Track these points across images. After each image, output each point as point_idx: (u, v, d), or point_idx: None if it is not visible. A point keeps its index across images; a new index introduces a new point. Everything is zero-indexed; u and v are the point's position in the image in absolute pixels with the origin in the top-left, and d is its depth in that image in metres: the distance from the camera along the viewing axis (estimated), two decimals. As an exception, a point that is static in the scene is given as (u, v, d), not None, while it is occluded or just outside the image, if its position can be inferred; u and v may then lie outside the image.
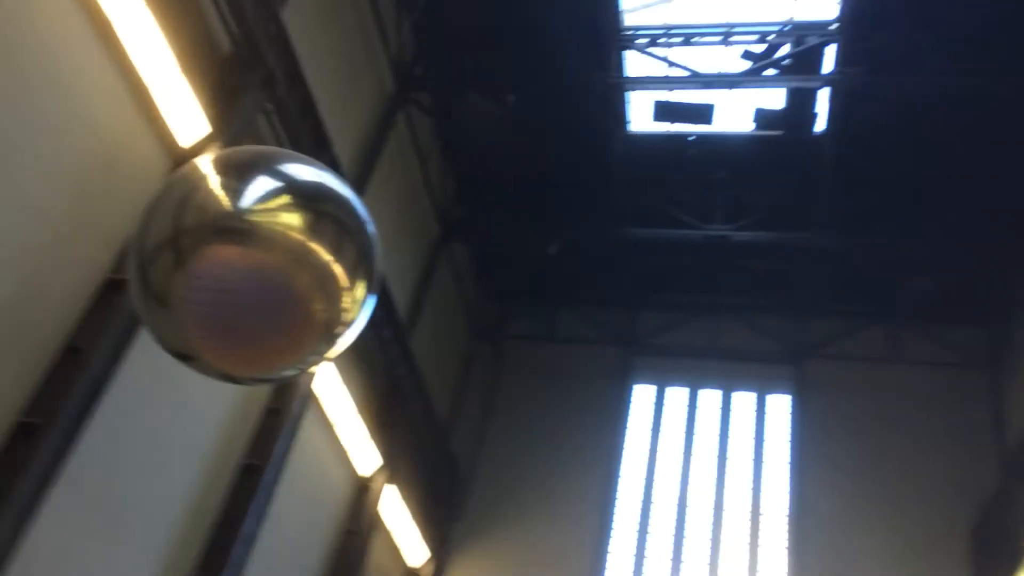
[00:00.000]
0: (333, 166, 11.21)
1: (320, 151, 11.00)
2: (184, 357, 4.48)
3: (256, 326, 4.21)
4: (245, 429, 10.78)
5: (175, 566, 9.53)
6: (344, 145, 12.46)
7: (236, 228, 3.79)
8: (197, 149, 8.82)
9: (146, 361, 8.71)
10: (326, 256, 4.14)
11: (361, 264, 4.30)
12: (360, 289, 4.33)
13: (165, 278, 3.79)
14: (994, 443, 15.94)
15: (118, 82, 8.22)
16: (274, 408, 11.09)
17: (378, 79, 14.06)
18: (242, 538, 10.01)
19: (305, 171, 4.45)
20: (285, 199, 3.99)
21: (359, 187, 13.02)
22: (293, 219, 4.04)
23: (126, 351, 7.98)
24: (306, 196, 4.28)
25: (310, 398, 11.54)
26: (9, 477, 7.01)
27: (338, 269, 4.18)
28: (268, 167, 4.37)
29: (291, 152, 4.29)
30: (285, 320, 4.32)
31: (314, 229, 3.99)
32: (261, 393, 11.09)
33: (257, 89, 9.30)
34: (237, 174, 4.02)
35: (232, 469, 10.49)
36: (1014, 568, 13.50)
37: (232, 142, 8.97)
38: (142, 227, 4.19)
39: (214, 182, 3.95)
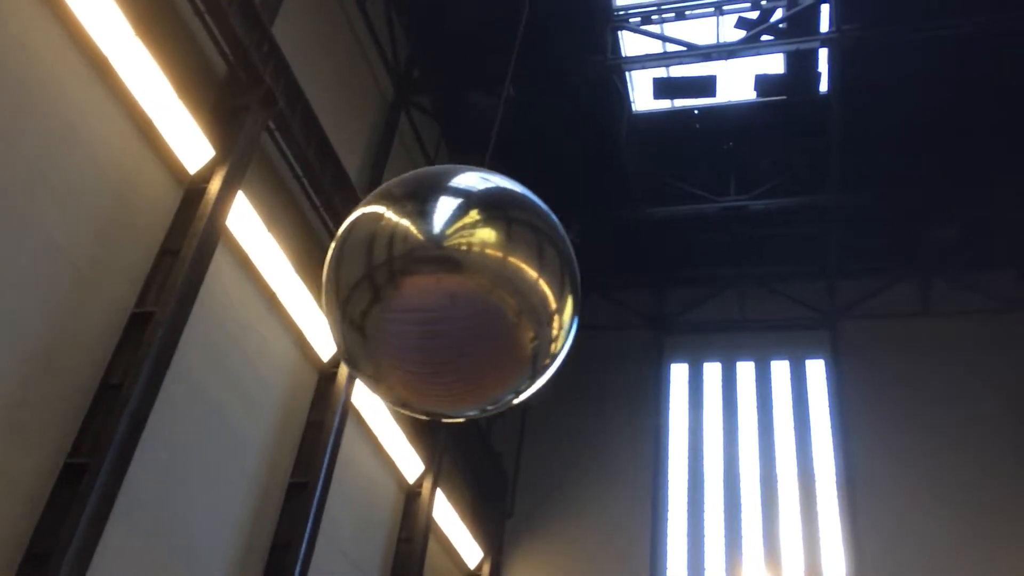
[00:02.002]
0: (341, 179, 11.29)
1: (326, 165, 11.07)
2: (389, 397, 4.31)
3: (462, 359, 3.82)
4: (289, 448, 10.85)
5: (236, 591, 9.61)
6: (350, 156, 12.53)
7: (433, 257, 3.57)
8: (205, 174, 8.89)
9: (182, 390, 8.82)
10: (531, 272, 3.90)
11: (565, 272, 4.00)
12: (568, 310, 4.02)
13: (364, 314, 3.70)
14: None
15: (120, 115, 8.32)
16: (315, 422, 11.16)
17: (377, 86, 14.12)
18: (299, 556, 10.07)
19: (477, 180, 4.14)
20: (473, 215, 3.78)
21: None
22: (487, 234, 3.73)
23: (160, 382, 8.05)
24: (492, 206, 3.89)
25: (349, 410, 11.58)
26: (62, 518, 7.10)
27: (545, 287, 3.90)
28: (441, 187, 4.03)
29: (448, 166, 4.12)
30: (492, 352, 3.97)
31: (511, 240, 3.77)
32: (300, 411, 11.17)
33: (258, 108, 9.36)
34: (415, 202, 3.80)
35: (281, 489, 10.56)
36: None
37: (238, 163, 9.06)
38: (333, 268, 4.04)
39: (397, 215, 3.76)
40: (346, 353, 4.01)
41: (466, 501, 16.73)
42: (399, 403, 4.16)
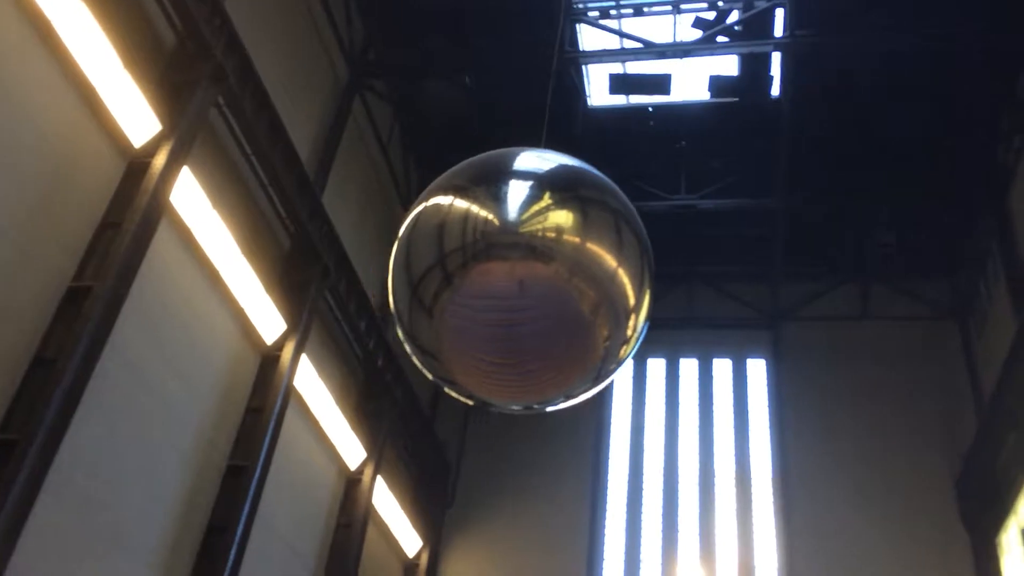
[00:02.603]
0: (291, 159, 11.14)
1: (276, 144, 10.91)
2: (444, 380, 4.07)
3: (527, 355, 3.70)
4: (228, 430, 10.69)
5: (170, 572, 9.43)
6: (301, 137, 12.37)
7: (508, 243, 3.43)
8: (150, 148, 8.69)
9: (119, 367, 8.63)
10: (610, 260, 3.58)
11: (645, 262, 3.72)
12: (644, 309, 3.74)
13: (435, 297, 3.60)
14: (970, 392, 16.18)
15: (63, 84, 8.08)
16: (255, 408, 11.01)
17: (331, 68, 13.95)
18: (234, 540, 9.93)
19: (544, 161, 3.89)
20: (547, 199, 3.60)
21: (320, 181, 12.94)
22: (564, 218, 3.55)
23: (97, 358, 7.85)
24: (565, 188, 3.72)
25: (291, 394, 11.45)
26: (-10, 495, 6.89)
27: (624, 277, 3.64)
28: (509, 171, 3.80)
29: (508, 149, 3.88)
30: (560, 351, 3.76)
31: (588, 223, 3.59)
32: (241, 393, 11.00)
33: (207, 83, 9.18)
34: (485, 188, 3.67)
35: (218, 471, 10.40)
36: (1000, 516, 13.71)
37: (184, 138, 8.87)
38: (403, 253, 3.85)
39: (468, 201, 3.65)
40: (410, 333, 3.84)
41: (407, 489, 16.68)
42: (449, 383, 4.00)
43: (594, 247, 3.58)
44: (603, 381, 3.92)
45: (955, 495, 15.83)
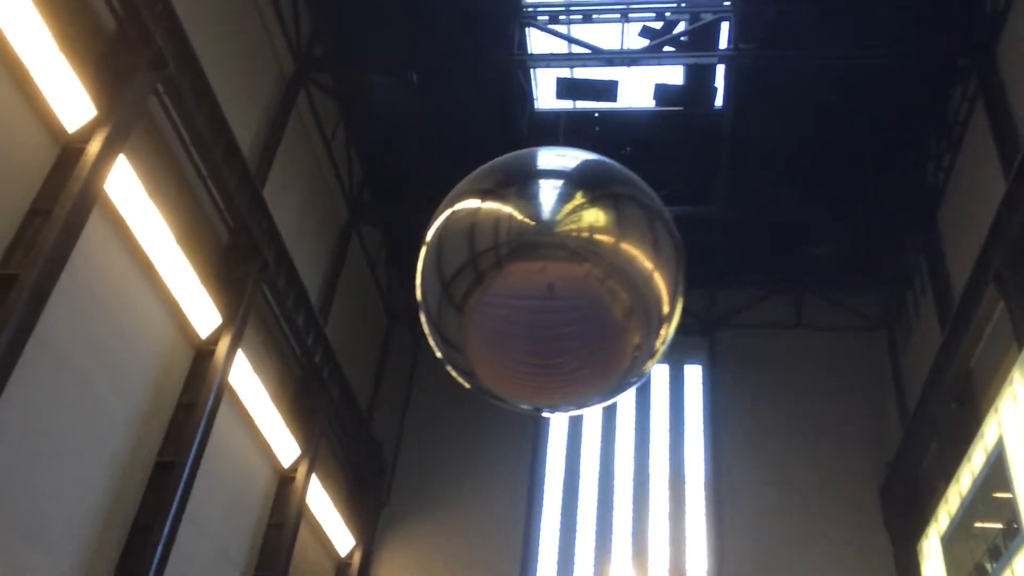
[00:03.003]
0: (232, 151, 10.95)
1: (217, 135, 10.71)
2: (465, 373, 3.94)
3: (556, 352, 3.64)
4: (158, 425, 10.44)
5: (92, 570, 9.18)
6: (243, 129, 12.15)
7: (542, 243, 3.38)
8: (84, 133, 8.45)
9: (44, 358, 8.36)
10: (646, 262, 3.52)
11: (680, 266, 3.60)
12: (675, 319, 3.62)
13: (466, 295, 3.56)
14: (896, 402, 16.67)
15: (-5, 65, 7.80)
16: (186, 403, 10.78)
17: (276, 60, 13.75)
18: (160, 538, 9.70)
19: (571, 160, 3.77)
20: (579, 198, 3.53)
21: (261, 174, 12.74)
22: (598, 217, 3.48)
23: (21, 348, 7.60)
24: (597, 186, 3.65)
25: (224, 390, 11.24)
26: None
27: (660, 281, 3.55)
28: (538, 171, 3.76)
29: (530, 149, 3.75)
30: (587, 357, 3.65)
31: (623, 223, 3.53)
32: (172, 388, 10.76)
33: (146, 70, 8.96)
34: (515, 188, 3.62)
35: (146, 467, 10.14)
36: (921, 523, 14.13)
37: (121, 125, 8.65)
38: (434, 253, 3.79)
39: (500, 202, 3.58)
40: (437, 326, 3.75)
41: (342, 488, 16.52)
42: (467, 375, 3.92)
43: (629, 247, 3.50)
44: (620, 392, 3.86)
45: (879, 501, 16.28)
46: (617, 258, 3.44)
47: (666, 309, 3.53)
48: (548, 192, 3.61)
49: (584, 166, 3.76)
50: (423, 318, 3.98)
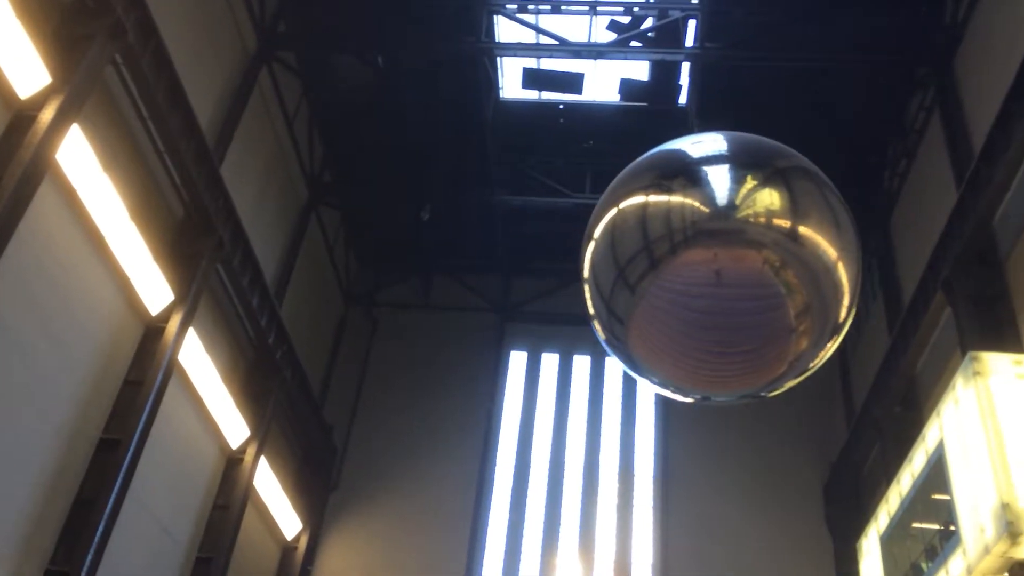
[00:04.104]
0: (190, 126, 10.76)
1: (176, 109, 10.51)
2: (616, 341, 3.90)
3: (716, 341, 3.58)
4: (103, 401, 10.24)
5: (32, 547, 9.00)
6: (203, 103, 11.93)
7: (717, 229, 3.30)
8: (37, 101, 8.23)
9: (-13, 330, 8.16)
10: (829, 250, 3.32)
11: (860, 259, 3.51)
12: (849, 320, 3.46)
13: (640, 278, 3.54)
14: (843, 404, 16.95)
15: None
16: (134, 380, 10.59)
17: (240, 36, 13.52)
18: (103, 516, 9.53)
19: (735, 143, 3.73)
20: (751, 181, 3.44)
21: (219, 150, 12.54)
22: (774, 200, 3.38)
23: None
24: (762, 164, 3.56)
25: (174, 368, 11.07)
26: None
27: (843, 274, 3.39)
28: (704, 158, 3.68)
29: (690, 136, 3.66)
30: (744, 352, 3.61)
31: (796, 195, 3.40)
32: (120, 365, 10.56)
33: (104, 38, 8.74)
34: (686, 176, 3.53)
35: (90, 443, 9.95)
36: (861, 521, 14.40)
37: (76, 94, 8.45)
38: (607, 240, 3.76)
39: (670, 193, 3.51)
40: (607, 301, 3.78)
41: (290, 471, 16.38)
42: (620, 346, 3.92)
43: (809, 232, 3.33)
44: (773, 389, 3.83)
45: (822, 499, 16.60)
46: (793, 243, 3.30)
47: (842, 315, 3.39)
48: (719, 178, 3.54)
49: (752, 146, 3.71)
50: (589, 293, 4.00)
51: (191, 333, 11.61)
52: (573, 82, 15.90)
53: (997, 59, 11.19)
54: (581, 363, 19.24)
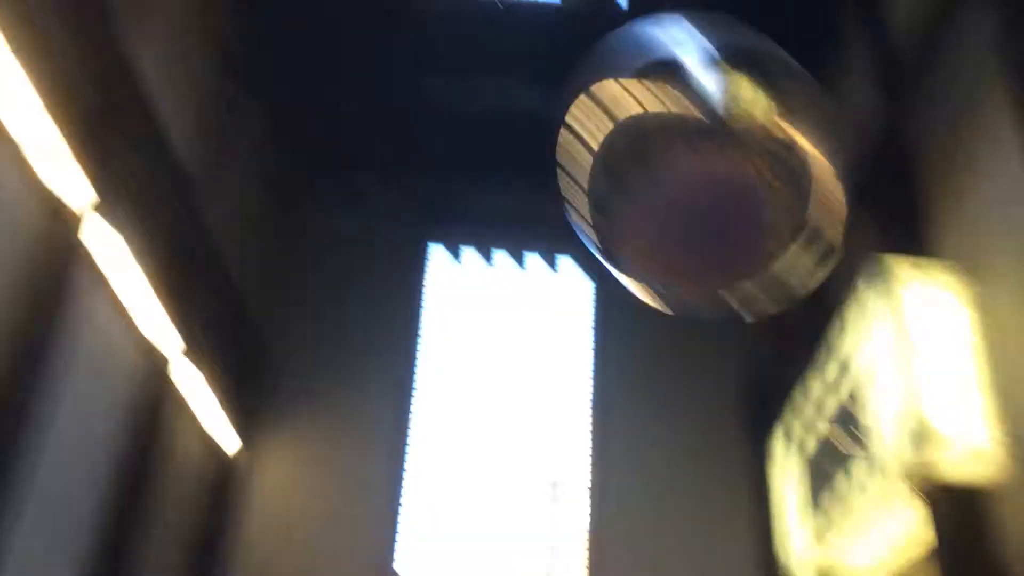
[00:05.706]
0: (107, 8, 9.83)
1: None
2: (611, 259, 3.86)
3: (694, 240, 3.72)
4: (22, 305, 9.49)
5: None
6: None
7: (707, 129, 3.31)
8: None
9: None
10: (810, 142, 3.16)
11: (844, 148, 3.35)
12: (844, 211, 3.34)
13: (625, 171, 3.62)
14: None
15: None
16: (42, 274, 9.76)
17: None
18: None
19: (720, 30, 3.49)
20: (741, 80, 3.41)
21: (135, 31, 11.55)
22: (763, 100, 3.35)
23: None
24: (752, 64, 3.39)
25: (92, 270, 10.37)
26: None
27: (834, 178, 3.23)
28: (691, 40, 3.64)
29: (664, 20, 3.40)
30: (727, 241, 3.71)
31: (783, 88, 3.34)
32: (23, 258, 9.77)
33: None
34: (671, 68, 3.54)
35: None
36: (774, 426, 14.58)
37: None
38: (605, 129, 3.82)
39: (677, 88, 3.45)
40: (593, 193, 3.85)
41: (222, 380, 15.78)
42: (611, 256, 3.92)
43: (789, 121, 3.37)
44: (782, 297, 3.84)
45: (737, 404, 16.67)
46: (783, 143, 3.37)
47: (835, 205, 3.43)
48: (705, 72, 3.53)
49: (734, 37, 3.68)
50: (575, 187, 3.95)
51: (111, 233, 10.89)
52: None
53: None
54: (510, 266, 18.82)
